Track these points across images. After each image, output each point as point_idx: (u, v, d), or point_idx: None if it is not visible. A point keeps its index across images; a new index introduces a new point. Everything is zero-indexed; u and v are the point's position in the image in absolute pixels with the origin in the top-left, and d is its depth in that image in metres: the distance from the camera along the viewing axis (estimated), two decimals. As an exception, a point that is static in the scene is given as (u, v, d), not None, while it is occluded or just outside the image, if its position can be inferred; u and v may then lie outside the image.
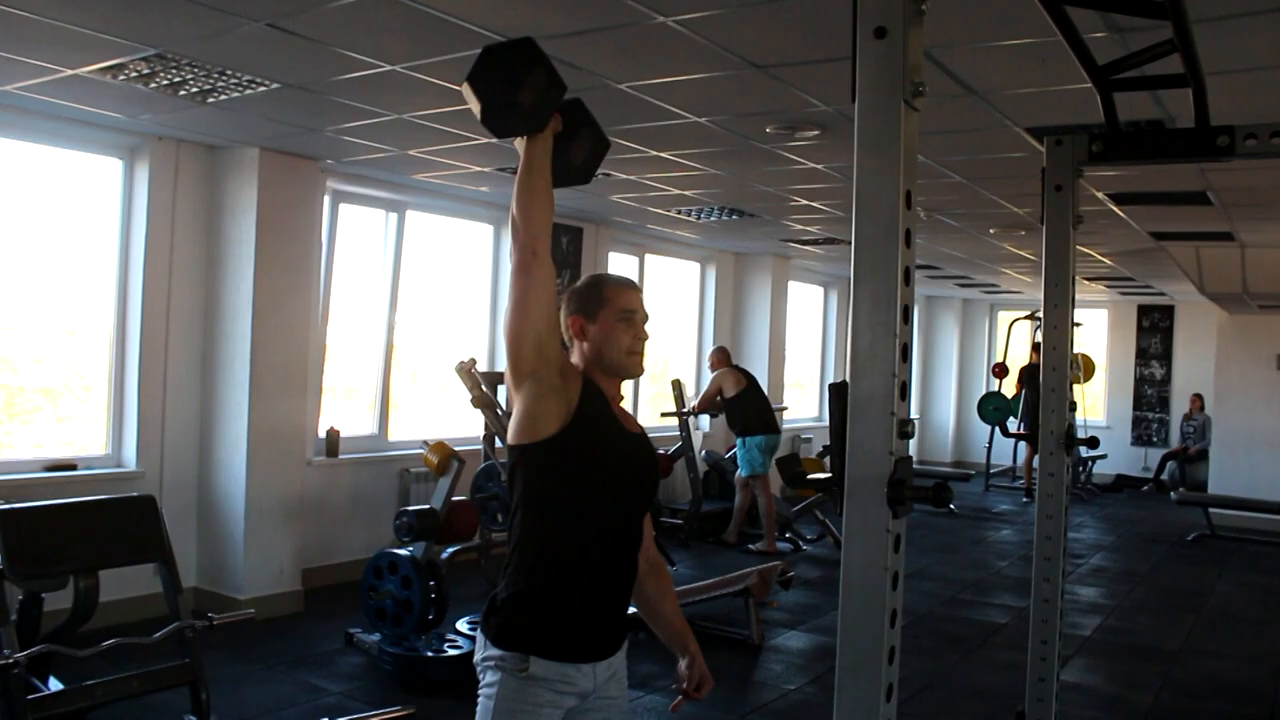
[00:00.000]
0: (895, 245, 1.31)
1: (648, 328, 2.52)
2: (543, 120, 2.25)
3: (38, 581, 4.45)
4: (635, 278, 10.16)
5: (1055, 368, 2.42)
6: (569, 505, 2.35)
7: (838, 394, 1.33)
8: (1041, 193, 2.63)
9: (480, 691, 2.36)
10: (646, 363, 2.53)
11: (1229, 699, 5.59)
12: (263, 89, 4.73)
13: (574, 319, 2.46)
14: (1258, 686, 5.87)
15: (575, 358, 2.46)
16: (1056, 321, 2.43)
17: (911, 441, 1.32)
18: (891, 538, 1.30)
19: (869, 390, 1.30)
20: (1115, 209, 6.86)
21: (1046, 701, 2.53)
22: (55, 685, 4.45)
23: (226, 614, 4.97)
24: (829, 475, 9.94)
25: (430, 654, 5.18)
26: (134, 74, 4.54)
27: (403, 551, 5.41)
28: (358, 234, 7.47)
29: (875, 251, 1.31)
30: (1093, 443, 2.61)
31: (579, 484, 2.35)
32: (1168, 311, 14.89)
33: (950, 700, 5.37)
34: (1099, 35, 3.19)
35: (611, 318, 2.44)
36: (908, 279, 1.35)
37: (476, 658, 2.41)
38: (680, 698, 2.57)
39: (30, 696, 4.16)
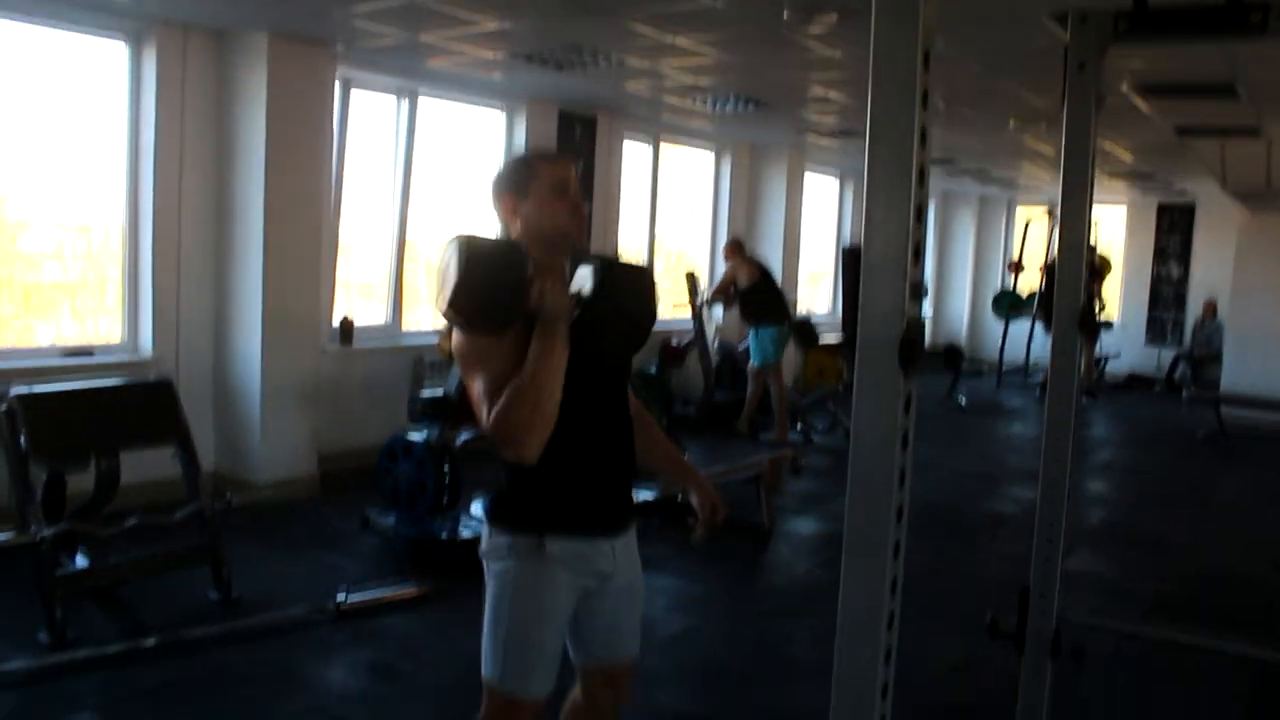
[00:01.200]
0: (911, 107, 1.29)
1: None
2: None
3: (60, 462, 4.55)
4: (650, 167, 10.10)
5: (1071, 246, 2.40)
6: None
7: (852, 258, 1.33)
8: (1064, 73, 2.56)
9: (490, 580, 2.38)
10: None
11: (1229, 590, 5.67)
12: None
13: (505, 199, 2.43)
14: (1258, 578, 5.95)
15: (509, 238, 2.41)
16: (1075, 202, 2.41)
17: (925, 336, 1.33)
18: (902, 398, 1.31)
19: (882, 252, 1.29)
20: (1139, 101, 6.72)
21: (1050, 588, 2.57)
22: (81, 562, 4.58)
23: (244, 494, 5.08)
24: (841, 340, 9.94)
25: (444, 535, 5.28)
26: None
27: (417, 435, 5.48)
28: (370, 122, 7.39)
29: (890, 112, 1.29)
30: (1104, 326, 2.61)
31: None
32: (1188, 211, 14.70)
33: (956, 585, 5.46)
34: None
35: (544, 190, 2.39)
36: (924, 141, 1.33)
37: (483, 548, 2.42)
38: (700, 530, 2.63)
39: (58, 573, 4.29)
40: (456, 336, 2.29)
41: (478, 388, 2.24)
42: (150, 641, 4.13)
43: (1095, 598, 5.34)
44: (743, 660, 4.36)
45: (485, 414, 2.21)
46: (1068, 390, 2.41)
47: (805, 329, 9.91)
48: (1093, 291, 13.23)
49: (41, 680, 3.79)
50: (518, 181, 2.42)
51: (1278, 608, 5.44)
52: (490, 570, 2.39)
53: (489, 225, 2.47)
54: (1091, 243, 13.53)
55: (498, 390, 2.19)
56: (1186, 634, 2.70)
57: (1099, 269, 13.34)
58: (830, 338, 12.05)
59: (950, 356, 11.41)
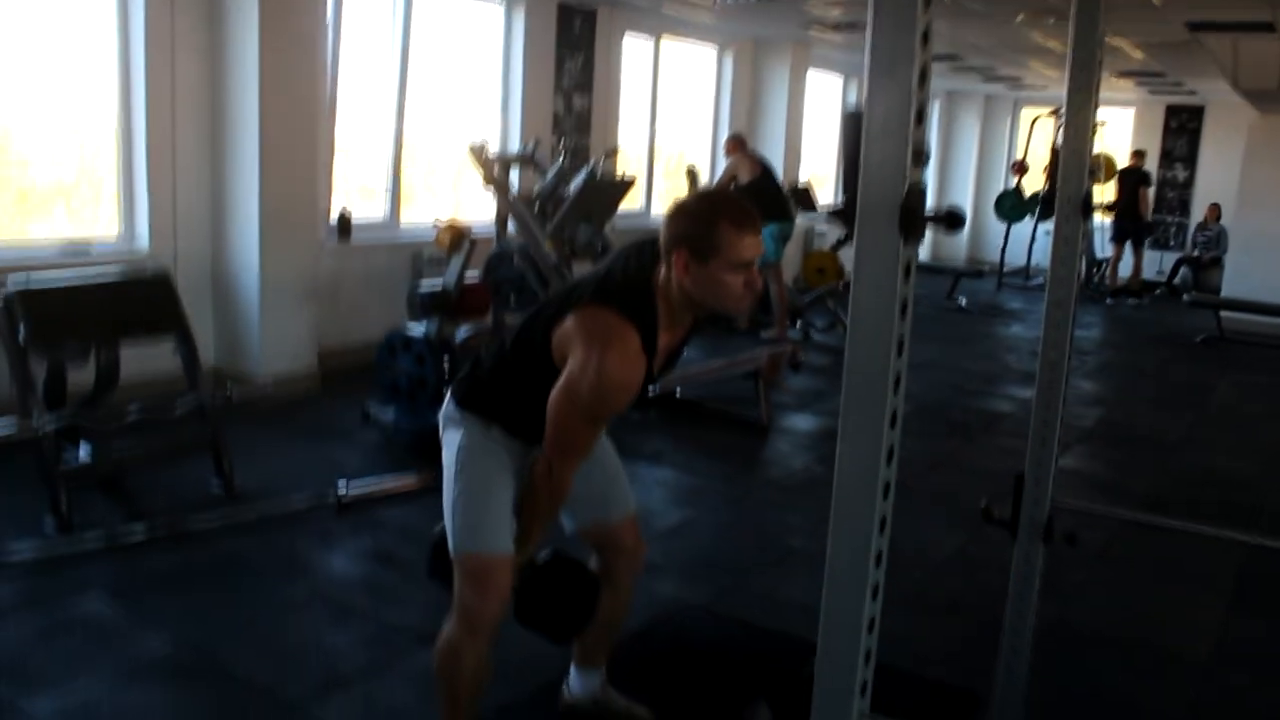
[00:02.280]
0: (919, -38, 1.26)
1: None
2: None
3: (59, 354, 4.55)
4: (650, 63, 9.91)
5: (1077, 131, 2.36)
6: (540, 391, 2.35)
7: (852, 122, 1.30)
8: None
9: (445, 451, 2.49)
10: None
11: (1221, 488, 5.74)
12: None
13: (679, 254, 2.23)
14: (1250, 477, 6.02)
15: (662, 278, 2.29)
16: (1082, 84, 2.36)
17: (926, 238, 1.30)
18: (902, 264, 1.30)
19: (885, 114, 1.27)
20: (1152, -5, 6.57)
21: (1045, 474, 2.59)
22: (84, 454, 4.61)
23: (245, 387, 5.10)
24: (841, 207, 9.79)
25: (444, 428, 5.31)
26: None
27: (416, 329, 5.48)
28: (365, 17, 7.23)
29: (898, -31, 1.26)
30: (1109, 211, 2.57)
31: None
32: (1196, 113, 14.47)
33: (953, 478, 5.52)
34: None
35: (725, 268, 2.21)
36: (928, 3, 1.30)
37: (443, 413, 2.53)
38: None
39: (61, 464, 4.32)
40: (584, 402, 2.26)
41: (568, 446, 2.32)
42: (155, 529, 4.19)
43: (1089, 493, 5.40)
44: (739, 551, 4.42)
45: (560, 465, 2.32)
46: (1070, 276, 2.40)
47: (803, 194, 9.76)
48: (1139, 196, 13.17)
49: (49, 566, 3.85)
50: (700, 244, 2.22)
51: (1267, 506, 5.51)
52: (446, 440, 2.50)
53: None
54: (1137, 152, 13.15)
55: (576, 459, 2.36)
56: (1176, 520, 2.73)
57: (1143, 174, 13.29)
58: (830, 240, 11.98)
59: (951, 219, 11.27)
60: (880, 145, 1.28)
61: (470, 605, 2.42)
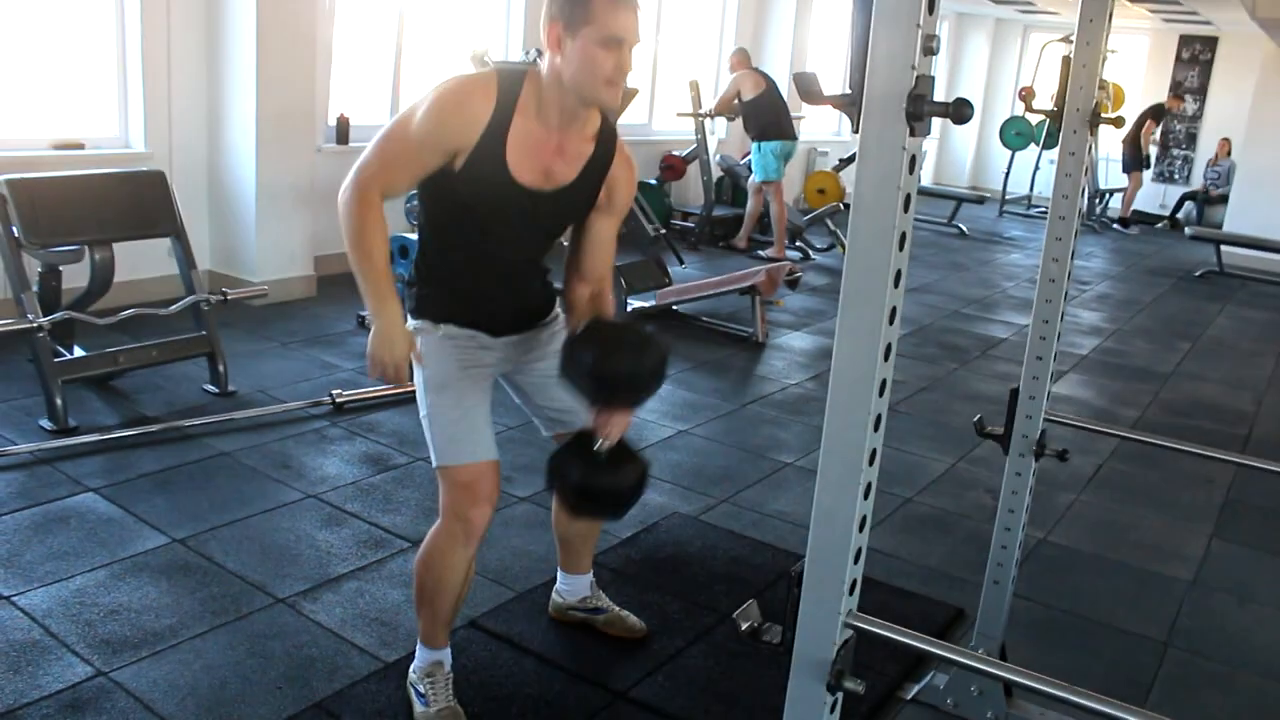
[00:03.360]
0: None
1: (634, 53, 2.22)
2: None
3: (54, 251, 4.51)
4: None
5: (1089, 44, 2.31)
6: (450, 230, 2.39)
7: (863, 6, 1.27)
8: None
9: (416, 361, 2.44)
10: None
11: (1213, 418, 5.77)
12: None
13: (553, 27, 2.18)
14: (1241, 408, 6.05)
15: (543, 66, 2.24)
16: (1093, 12, 2.30)
17: (928, 164, 1.27)
18: (907, 156, 1.27)
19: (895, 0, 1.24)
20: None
21: (1039, 390, 2.59)
22: (79, 352, 4.60)
23: (240, 290, 5.07)
24: (847, 93, 9.61)
25: (440, 338, 5.30)
26: None
27: (414, 235, 5.45)
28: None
29: None
30: (1118, 123, 2.54)
31: (456, 214, 2.35)
32: (1210, 43, 14.26)
33: (945, 401, 5.54)
34: None
35: (594, 39, 2.14)
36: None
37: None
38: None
39: (57, 360, 4.32)
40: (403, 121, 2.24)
41: (373, 157, 2.26)
42: (150, 429, 4.20)
43: (1081, 420, 5.42)
44: (731, 465, 4.44)
45: (357, 176, 2.26)
46: (1074, 191, 2.37)
47: (809, 82, 9.55)
48: (1144, 126, 13.11)
49: (45, 462, 3.86)
50: (573, 14, 2.15)
51: (1255, 435, 5.54)
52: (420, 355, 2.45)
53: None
54: (1171, 98, 13.09)
55: (380, 175, 2.26)
56: (1164, 440, 2.74)
57: (1158, 109, 13.23)
58: (833, 161, 11.87)
59: (959, 110, 11.07)
60: (889, 33, 1.25)
61: (461, 513, 2.41)
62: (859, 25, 1.32)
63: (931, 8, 1.25)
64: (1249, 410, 6.01)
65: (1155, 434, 4.55)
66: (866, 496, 1.45)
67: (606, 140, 2.38)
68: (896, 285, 1.32)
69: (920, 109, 1.24)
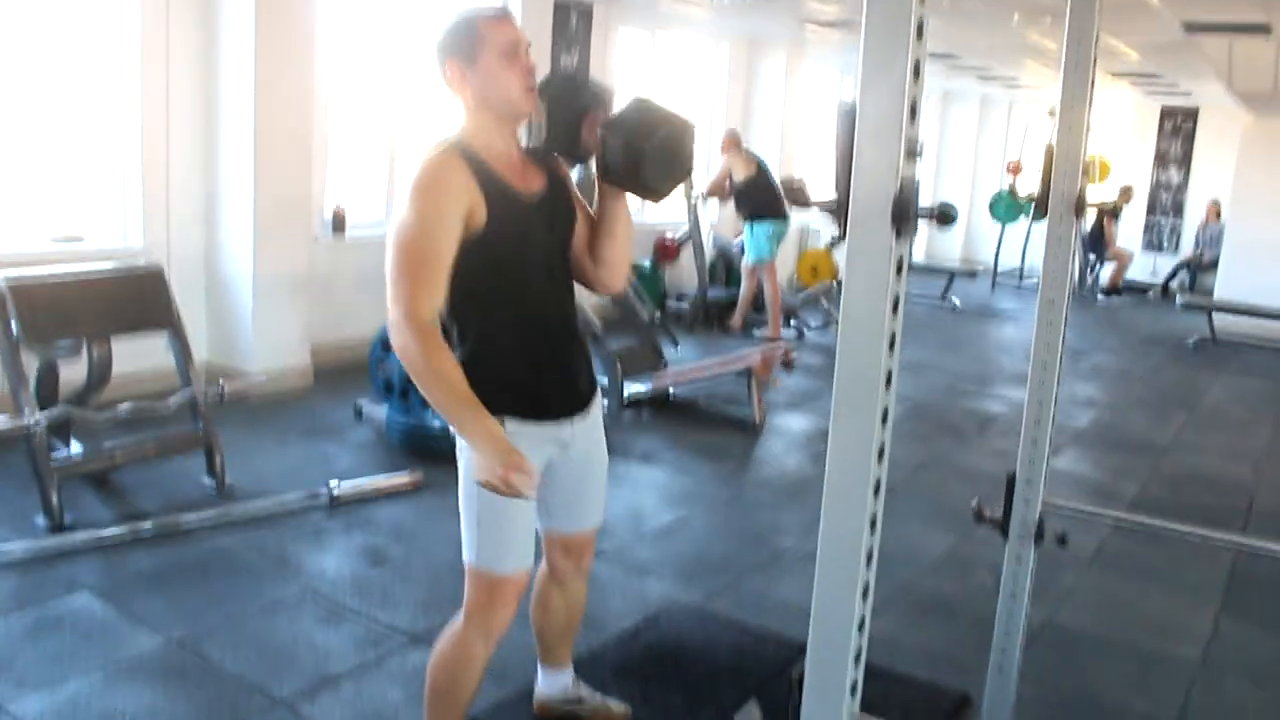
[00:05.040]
0: (913, -43, 1.25)
1: (532, 55, 2.31)
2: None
3: (52, 347, 4.53)
4: (646, 57, 9.89)
5: (1070, 131, 2.36)
6: (490, 292, 2.33)
7: (846, 115, 1.29)
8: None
9: (460, 459, 2.37)
10: None
11: (1212, 491, 5.75)
12: None
13: (452, 68, 2.26)
14: (1241, 479, 6.03)
15: (465, 107, 2.30)
16: (1076, 83, 2.36)
17: (920, 239, 1.30)
18: (894, 260, 1.29)
19: (878, 108, 1.26)
20: (1149, -5, 6.58)
21: (1036, 474, 2.58)
22: (76, 449, 4.59)
23: (237, 381, 5.08)
24: (835, 199, 9.70)
25: (436, 425, 5.29)
26: None
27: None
28: (361, 10, 7.21)
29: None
30: (1104, 206, 2.57)
31: (492, 279, 2.31)
32: (1191, 114, 14.50)
33: (944, 480, 5.52)
34: None
35: (494, 57, 2.24)
36: (923, -4, 1.29)
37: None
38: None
39: (52, 458, 4.30)
40: (410, 215, 2.20)
41: (402, 280, 2.19)
42: (146, 526, 4.17)
43: (1080, 496, 5.40)
44: (732, 551, 4.41)
45: (401, 310, 2.17)
46: (1062, 276, 2.39)
47: (797, 190, 9.70)
48: (1104, 226, 13.32)
49: (39, 562, 3.83)
50: (464, 47, 2.25)
51: (1257, 508, 5.51)
52: (461, 448, 2.37)
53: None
54: (1125, 188, 13.35)
55: (421, 290, 2.18)
56: (1167, 523, 2.73)
57: (1115, 209, 13.46)
58: (825, 239, 11.96)
59: (943, 216, 11.24)
60: (873, 140, 1.28)
61: (488, 615, 2.40)
62: (843, 132, 1.34)
63: (913, 115, 1.28)
64: (1249, 481, 6.00)
65: (1156, 511, 4.53)
66: (865, 597, 1.45)
67: (532, 153, 2.44)
68: (888, 387, 1.33)
69: (906, 214, 1.27)
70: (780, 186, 9.21)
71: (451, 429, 2.30)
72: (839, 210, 9.44)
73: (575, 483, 2.55)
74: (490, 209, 2.24)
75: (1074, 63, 2.39)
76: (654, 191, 2.35)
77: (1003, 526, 2.63)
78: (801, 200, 9.47)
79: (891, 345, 1.32)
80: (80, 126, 5.91)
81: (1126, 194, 13.73)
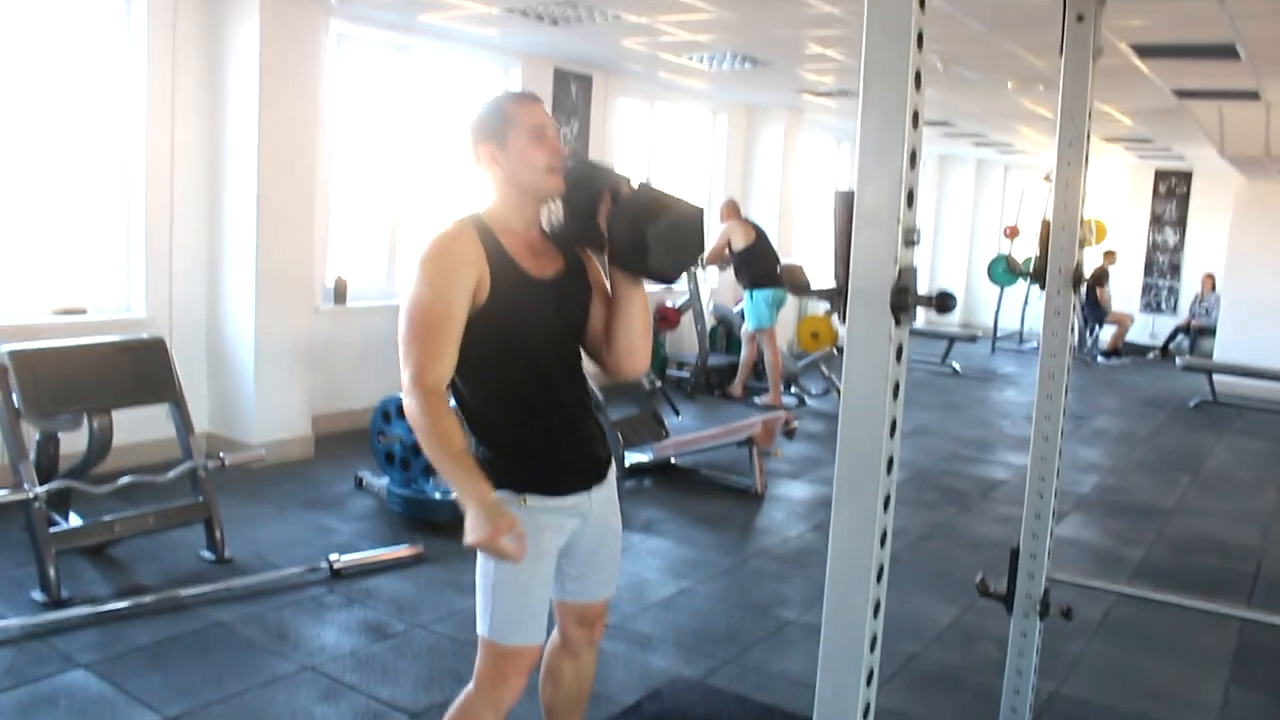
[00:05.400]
0: (906, 47, 1.27)
1: (559, 135, 2.41)
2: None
3: (53, 420, 4.53)
4: (645, 127, 10.02)
5: (1066, 204, 2.38)
6: (495, 372, 2.37)
7: (844, 202, 1.31)
8: (1062, 24, 2.54)
9: None
10: None
11: (1219, 555, 5.70)
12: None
13: (483, 148, 2.37)
14: (1247, 542, 5.98)
15: (492, 186, 2.39)
16: (1071, 154, 2.39)
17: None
18: (894, 346, 1.30)
19: (875, 197, 1.28)
20: (1139, 63, 6.68)
21: (1040, 548, 2.57)
22: (75, 521, 4.57)
23: (238, 454, 5.07)
24: (834, 287, 9.72)
25: (438, 496, 5.28)
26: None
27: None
28: (364, 77, 7.32)
29: (885, 53, 1.27)
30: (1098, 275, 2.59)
31: (499, 354, 2.35)
32: (1185, 177, 14.65)
33: (948, 548, 5.48)
34: None
35: (522, 138, 2.33)
36: (918, 83, 1.31)
37: None
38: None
39: (51, 531, 4.28)
40: (421, 288, 2.26)
41: (414, 350, 2.24)
42: (145, 600, 4.13)
43: (1084, 562, 5.36)
44: (735, 623, 4.37)
45: (412, 379, 2.22)
46: (1061, 349, 2.40)
47: (796, 275, 9.75)
48: (1098, 294, 13.44)
49: (35, 637, 3.79)
50: (495, 128, 2.35)
51: (1264, 574, 5.47)
52: None
53: (483, 187, 2.41)
54: (1107, 252, 13.56)
55: (431, 360, 2.23)
56: (1173, 594, 2.71)
57: (1102, 275, 13.57)
58: (824, 305, 12.01)
59: (942, 302, 11.31)
60: (871, 228, 1.29)
61: (499, 686, 2.40)
62: (841, 220, 1.36)
63: (910, 202, 1.29)
64: (1255, 545, 5.95)
65: (1162, 577, 4.50)
66: (870, 683, 1.43)
67: (554, 237, 2.48)
68: (889, 473, 1.33)
69: (904, 301, 1.28)
70: (778, 255, 9.29)
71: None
72: (838, 297, 9.44)
73: (592, 552, 2.56)
74: (494, 284, 2.29)
75: (1068, 130, 2.42)
76: (661, 274, 2.37)
77: (1007, 601, 2.62)
78: (801, 287, 9.54)
79: (893, 431, 1.32)
80: (83, 197, 5.97)
81: (1110, 258, 13.84)
